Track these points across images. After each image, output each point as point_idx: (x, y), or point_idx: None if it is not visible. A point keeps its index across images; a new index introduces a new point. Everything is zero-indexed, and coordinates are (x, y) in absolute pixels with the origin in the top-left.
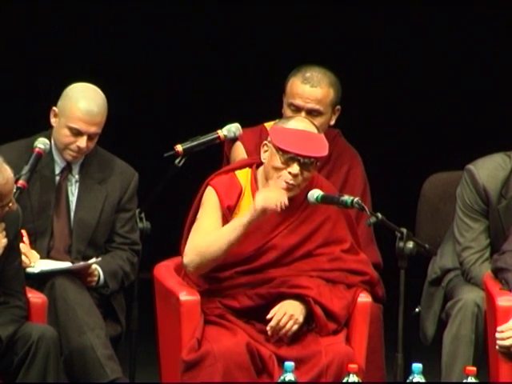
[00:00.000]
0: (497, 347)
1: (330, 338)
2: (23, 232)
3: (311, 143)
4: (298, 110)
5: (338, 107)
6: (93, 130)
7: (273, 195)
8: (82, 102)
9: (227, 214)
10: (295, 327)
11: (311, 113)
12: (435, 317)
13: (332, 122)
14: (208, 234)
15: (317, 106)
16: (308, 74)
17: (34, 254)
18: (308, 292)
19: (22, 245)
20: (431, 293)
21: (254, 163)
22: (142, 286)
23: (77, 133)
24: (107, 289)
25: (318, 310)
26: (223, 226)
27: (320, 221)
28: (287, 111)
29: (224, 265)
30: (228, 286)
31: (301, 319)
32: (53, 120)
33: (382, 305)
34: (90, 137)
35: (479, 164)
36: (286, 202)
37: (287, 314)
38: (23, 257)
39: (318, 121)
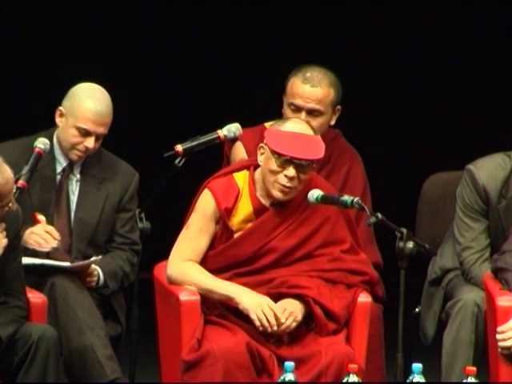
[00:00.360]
0: (499, 349)
1: (329, 338)
2: (38, 214)
3: (307, 145)
4: (298, 109)
5: (339, 107)
6: (101, 130)
7: (259, 304)
8: (91, 103)
9: (224, 216)
10: (294, 324)
11: (312, 113)
12: (435, 317)
13: (332, 122)
14: (197, 255)
15: (317, 106)
16: (308, 74)
17: (56, 232)
18: (307, 292)
19: (41, 224)
20: (431, 293)
21: (252, 165)
22: (142, 286)
23: (85, 133)
24: (107, 289)
25: (318, 310)
26: (216, 232)
27: (319, 222)
28: (287, 111)
29: (223, 266)
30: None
31: (300, 317)
32: (58, 120)
33: (382, 305)
34: (97, 137)
35: (479, 164)
36: (272, 309)
37: (287, 310)
38: (46, 235)
39: (319, 121)
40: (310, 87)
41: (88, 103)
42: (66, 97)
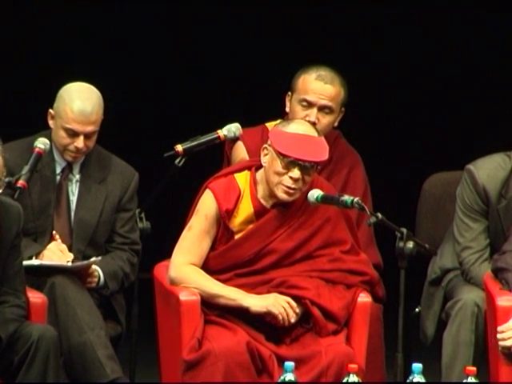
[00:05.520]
0: (499, 348)
1: (330, 338)
2: (56, 234)
3: (312, 147)
4: (310, 105)
5: (343, 109)
6: (89, 129)
7: (273, 299)
8: (75, 103)
9: (225, 218)
10: (292, 315)
11: (323, 109)
12: (435, 317)
13: (336, 124)
14: (200, 257)
15: (330, 103)
16: (322, 72)
17: (68, 252)
18: (305, 293)
19: (55, 243)
20: (431, 293)
21: (254, 165)
22: (142, 286)
23: (73, 134)
24: (107, 289)
25: (316, 311)
26: (216, 233)
27: (319, 224)
28: (297, 108)
29: (224, 268)
30: (228, 286)
31: (297, 311)
32: (50, 122)
33: (382, 305)
34: (88, 136)
35: (479, 164)
36: (294, 312)
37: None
38: (60, 253)
39: (328, 119)
40: (324, 84)
41: (71, 103)
42: (55, 98)
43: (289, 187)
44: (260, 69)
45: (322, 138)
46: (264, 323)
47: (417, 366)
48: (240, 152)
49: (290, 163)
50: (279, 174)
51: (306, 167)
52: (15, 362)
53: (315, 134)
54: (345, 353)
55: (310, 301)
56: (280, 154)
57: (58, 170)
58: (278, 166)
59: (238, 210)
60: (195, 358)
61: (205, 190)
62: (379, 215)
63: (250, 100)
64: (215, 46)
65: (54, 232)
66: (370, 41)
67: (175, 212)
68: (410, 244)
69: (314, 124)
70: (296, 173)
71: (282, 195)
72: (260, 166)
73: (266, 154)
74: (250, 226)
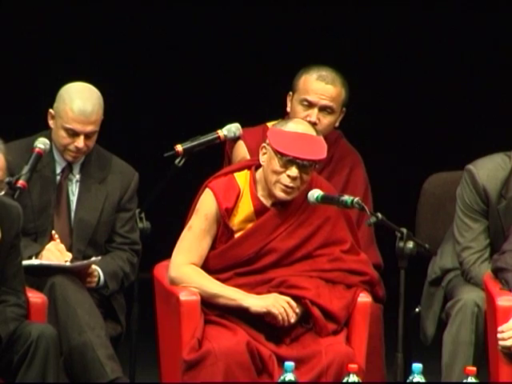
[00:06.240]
0: (499, 347)
1: (330, 338)
2: (54, 234)
3: (310, 146)
4: (311, 106)
5: (344, 109)
6: (89, 129)
7: (273, 299)
8: (75, 103)
9: (225, 216)
10: (292, 315)
11: (324, 109)
12: (435, 317)
13: (336, 124)
14: (200, 257)
15: (331, 104)
16: (323, 72)
17: (66, 252)
18: (305, 293)
19: (54, 242)
20: (431, 293)
21: (253, 165)
22: (142, 286)
23: (73, 133)
24: (107, 289)
25: (316, 311)
26: (216, 233)
27: (319, 223)
28: (298, 107)
29: (224, 267)
30: (228, 285)
31: (297, 311)
32: (50, 122)
33: (382, 305)
34: (88, 136)
35: (479, 164)
36: (294, 312)
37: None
38: (58, 253)
39: (329, 119)
40: (325, 84)
41: (72, 103)
42: (56, 98)
43: (287, 186)
44: (260, 69)
45: (321, 137)
46: (264, 323)
47: (417, 366)
48: (241, 151)
49: (288, 162)
50: (277, 173)
51: (304, 166)
52: (15, 360)
53: (313, 133)
54: (345, 353)
55: (310, 301)
56: (278, 153)
57: (58, 170)
58: (276, 164)
59: (237, 209)
60: (195, 358)
61: (204, 189)
62: (379, 215)
63: (249, 100)
64: (215, 46)
65: (53, 232)
66: (370, 41)
67: (175, 212)
68: (410, 244)
69: (314, 124)
70: (294, 171)
71: (279, 194)
72: (260, 165)
73: (265, 153)
74: (250, 225)
